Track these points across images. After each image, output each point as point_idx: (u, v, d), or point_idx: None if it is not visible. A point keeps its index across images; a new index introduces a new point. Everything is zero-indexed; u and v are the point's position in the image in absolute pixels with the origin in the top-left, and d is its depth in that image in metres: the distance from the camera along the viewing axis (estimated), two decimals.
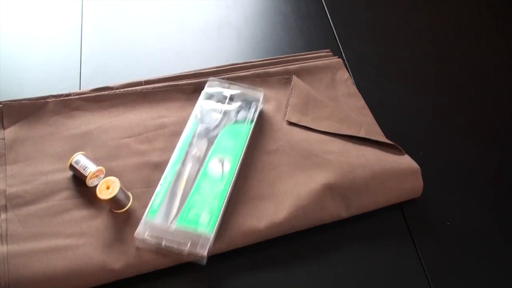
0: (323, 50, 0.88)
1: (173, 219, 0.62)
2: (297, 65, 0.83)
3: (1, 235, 0.60)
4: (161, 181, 0.65)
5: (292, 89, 0.79)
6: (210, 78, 0.77)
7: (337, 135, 0.74)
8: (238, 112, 0.73)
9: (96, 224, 0.62)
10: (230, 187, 0.65)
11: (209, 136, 0.70)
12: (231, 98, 0.74)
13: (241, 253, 0.64)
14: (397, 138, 0.75)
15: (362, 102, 0.80)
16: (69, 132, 0.71)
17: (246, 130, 0.71)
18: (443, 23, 0.98)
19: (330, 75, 0.83)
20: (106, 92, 0.75)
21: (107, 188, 0.62)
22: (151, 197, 0.64)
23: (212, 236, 0.61)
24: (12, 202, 0.63)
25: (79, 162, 0.65)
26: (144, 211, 0.63)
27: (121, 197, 0.62)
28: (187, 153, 0.68)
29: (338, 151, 0.71)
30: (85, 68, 0.83)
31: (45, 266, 0.58)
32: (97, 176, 0.66)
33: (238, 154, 0.68)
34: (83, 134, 0.71)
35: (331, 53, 0.88)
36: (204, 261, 0.60)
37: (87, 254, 0.59)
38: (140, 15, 0.92)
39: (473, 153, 0.78)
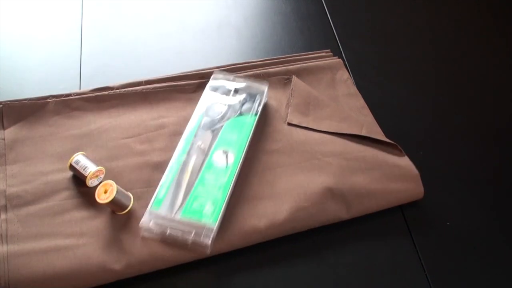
0: (323, 50, 0.88)
1: (178, 209, 0.63)
2: (297, 65, 0.83)
3: (1, 235, 0.60)
4: (166, 172, 0.66)
5: (292, 89, 0.79)
6: (215, 71, 0.78)
7: (338, 135, 0.74)
8: (242, 104, 0.73)
9: (96, 224, 0.62)
10: (234, 178, 0.66)
11: (214, 128, 0.71)
12: (236, 91, 0.75)
13: (241, 253, 0.64)
14: (397, 138, 0.75)
15: (362, 102, 0.80)
16: (69, 132, 0.71)
17: (250, 123, 0.72)
18: (443, 23, 0.98)
19: (330, 75, 0.83)
20: (106, 92, 0.75)
21: (105, 192, 0.62)
22: (151, 197, 0.64)
23: (215, 226, 0.61)
24: (12, 202, 0.63)
25: (79, 162, 0.65)
26: (144, 211, 0.63)
27: (121, 199, 0.62)
28: (192, 145, 0.69)
29: (339, 153, 0.71)
30: (85, 68, 0.83)
31: (45, 266, 0.58)
32: (97, 176, 0.66)
33: (242, 146, 0.69)
34: (83, 135, 0.71)
35: (331, 53, 0.88)
36: (208, 251, 0.61)
37: (87, 254, 0.59)
38: (140, 15, 0.92)
39: (473, 153, 0.78)
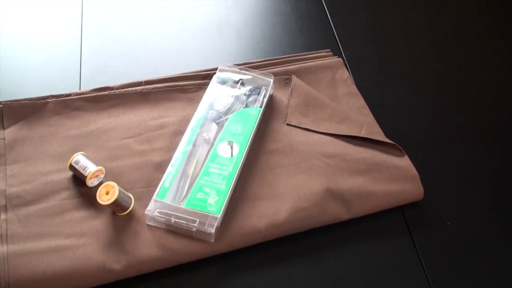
0: (323, 50, 0.88)
1: (183, 199, 0.64)
2: (297, 65, 0.83)
3: (1, 235, 0.60)
4: (172, 162, 0.67)
5: (292, 89, 0.79)
6: (221, 64, 0.79)
7: (338, 135, 0.74)
8: (248, 97, 0.75)
9: (96, 224, 0.62)
10: (238, 169, 0.67)
11: (220, 119, 0.72)
12: (242, 83, 0.77)
13: (242, 254, 0.64)
14: (397, 138, 0.75)
15: (362, 102, 0.80)
16: (69, 133, 0.71)
17: (255, 115, 0.73)
18: (443, 23, 0.98)
19: (330, 75, 0.83)
20: (106, 92, 0.75)
21: (107, 193, 0.62)
22: (151, 197, 0.64)
23: (219, 216, 0.62)
24: (12, 202, 0.63)
25: (79, 162, 0.65)
26: (144, 211, 0.63)
27: (122, 201, 0.62)
28: (198, 135, 0.70)
29: (339, 154, 0.71)
30: (85, 68, 0.83)
31: (45, 266, 0.58)
32: (97, 176, 0.66)
33: (246, 138, 0.70)
34: (83, 135, 0.71)
35: (331, 53, 0.88)
36: (212, 239, 0.62)
37: (87, 254, 0.59)
38: (140, 15, 0.92)
39: (473, 153, 0.78)
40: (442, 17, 0.99)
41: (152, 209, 0.63)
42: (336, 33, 0.93)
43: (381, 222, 0.69)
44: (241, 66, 0.79)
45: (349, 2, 0.99)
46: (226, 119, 0.72)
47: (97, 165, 0.66)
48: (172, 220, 0.62)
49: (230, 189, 0.65)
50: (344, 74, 0.84)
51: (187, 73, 0.80)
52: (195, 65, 0.83)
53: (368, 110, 0.79)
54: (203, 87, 0.78)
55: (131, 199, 0.64)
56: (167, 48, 0.87)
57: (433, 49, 0.93)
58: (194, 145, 0.69)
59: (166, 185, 0.65)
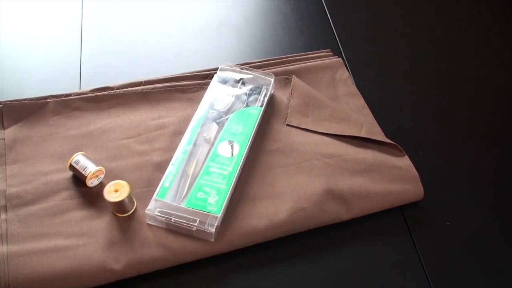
0: (323, 50, 0.88)
1: (183, 198, 0.64)
2: (297, 65, 0.83)
3: (1, 235, 0.60)
4: (172, 161, 0.67)
5: (292, 89, 0.79)
6: (222, 63, 0.79)
7: (338, 136, 0.74)
8: (249, 96, 0.75)
9: (96, 224, 0.62)
10: (239, 169, 0.67)
11: (220, 119, 0.72)
12: (243, 83, 0.77)
13: (242, 254, 0.64)
14: (397, 138, 0.75)
15: (362, 102, 0.80)
16: (69, 133, 0.71)
17: (256, 114, 0.73)
18: (443, 23, 0.98)
19: (330, 75, 0.83)
20: (106, 92, 0.75)
21: (116, 191, 0.62)
22: (151, 197, 0.64)
23: (220, 215, 0.62)
24: (12, 202, 0.63)
25: (79, 162, 0.65)
26: (144, 211, 0.63)
27: (127, 202, 0.63)
28: (198, 135, 0.70)
29: (339, 154, 0.71)
30: (85, 68, 0.83)
31: (45, 266, 0.58)
32: (97, 176, 0.66)
33: (247, 138, 0.70)
34: (83, 135, 0.71)
35: (331, 53, 0.88)
36: (212, 238, 0.62)
37: (87, 254, 0.59)
38: (140, 15, 0.92)
39: (473, 153, 0.78)
40: (442, 17, 0.99)
41: (153, 208, 0.63)
42: (336, 33, 0.93)
43: (381, 222, 0.69)
44: (241, 66, 0.79)
45: (349, 2, 0.99)
46: (227, 118, 0.72)
47: (97, 165, 0.66)
48: (172, 220, 0.62)
49: (230, 188, 0.65)
50: (344, 74, 0.84)
51: (187, 73, 0.80)
52: (195, 65, 0.83)
53: (368, 110, 0.79)
54: (203, 87, 0.78)
55: (134, 203, 0.64)
56: (167, 48, 0.87)
57: (433, 49, 0.93)
58: (194, 144, 0.69)
59: (167, 184, 0.65)
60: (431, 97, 0.85)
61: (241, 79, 0.77)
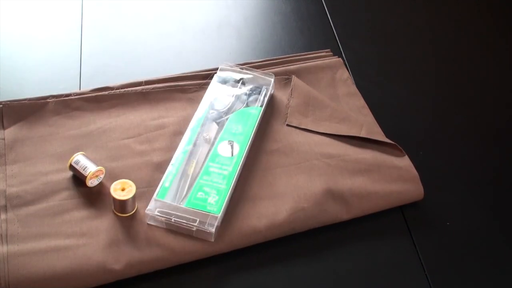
0: (323, 50, 0.88)
1: (183, 198, 0.64)
2: (297, 65, 0.83)
3: (1, 235, 0.60)
4: (172, 161, 0.67)
5: (292, 89, 0.79)
6: (222, 63, 0.79)
7: (338, 136, 0.74)
8: (249, 96, 0.75)
9: (96, 225, 0.62)
10: (239, 169, 0.67)
11: (220, 119, 0.72)
12: (243, 83, 0.77)
13: (242, 254, 0.64)
14: (397, 138, 0.75)
15: (362, 102, 0.80)
16: (69, 133, 0.71)
17: (256, 114, 0.73)
18: (443, 23, 0.98)
19: (330, 75, 0.83)
20: (106, 92, 0.75)
21: (122, 189, 0.62)
22: (151, 197, 0.64)
23: (220, 215, 0.62)
24: (12, 202, 0.63)
25: (79, 162, 0.65)
26: (144, 211, 0.63)
27: (130, 202, 0.63)
28: (198, 135, 0.70)
29: (338, 154, 0.71)
30: (85, 68, 0.83)
31: (45, 266, 0.58)
32: (97, 176, 0.66)
33: (247, 138, 0.70)
34: (83, 135, 0.71)
35: (331, 53, 0.88)
36: (212, 238, 0.62)
37: (87, 254, 0.59)
38: (140, 15, 0.92)
39: (473, 153, 0.78)
40: (442, 17, 0.99)
41: (153, 208, 0.63)
42: (336, 33, 0.93)
43: (381, 222, 0.69)
44: (242, 66, 0.79)
45: (349, 2, 0.99)
46: (227, 118, 0.72)
47: (97, 165, 0.66)
48: (173, 220, 0.62)
49: (230, 188, 0.65)
50: (344, 74, 0.84)
51: (187, 73, 0.80)
52: (195, 65, 0.83)
53: (368, 110, 0.79)
54: (203, 87, 0.78)
55: (135, 205, 0.64)
56: (167, 48, 0.87)
57: (433, 49, 0.93)
58: (194, 144, 0.69)
59: (167, 184, 0.65)
60: (431, 97, 0.85)
61: (241, 79, 0.77)
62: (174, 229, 0.62)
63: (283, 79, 0.81)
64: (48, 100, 0.73)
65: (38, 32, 0.87)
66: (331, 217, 0.67)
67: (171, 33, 0.90)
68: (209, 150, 0.69)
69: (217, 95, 0.75)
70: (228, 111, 0.73)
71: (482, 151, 0.79)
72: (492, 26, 0.99)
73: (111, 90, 0.76)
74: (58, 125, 0.71)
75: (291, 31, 0.92)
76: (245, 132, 0.71)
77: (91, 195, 0.65)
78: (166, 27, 0.91)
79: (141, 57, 0.85)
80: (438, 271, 0.65)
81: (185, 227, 0.62)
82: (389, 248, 0.67)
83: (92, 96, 0.75)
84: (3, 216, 0.62)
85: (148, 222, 0.63)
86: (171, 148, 0.70)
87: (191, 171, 0.67)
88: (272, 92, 0.78)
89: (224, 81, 0.77)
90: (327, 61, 0.85)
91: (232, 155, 0.68)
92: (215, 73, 0.79)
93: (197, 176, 0.66)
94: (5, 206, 0.63)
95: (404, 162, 0.72)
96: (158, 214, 0.62)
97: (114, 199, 0.62)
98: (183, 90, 0.78)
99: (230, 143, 0.69)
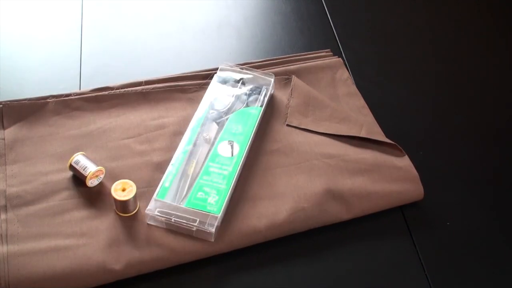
0: (323, 50, 0.88)
1: (183, 198, 0.64)
2: (297, 65, 0.83)
3: (1, 235, 0.60)
4: (172, 161, 0.67)
5: (292, 89, 0.79)
6: (222, 63, 0.79)
7: (338, 136, 0.74)
8: (249, 96, 0.75)
9: (96, 224, 0.62)
10: (239, 169, 0.67)
11: (220, 119, 0.72)
12: (243, 83, 0.77)
13: (242, 254, 0.64)
14: (397, 138, 0.75)
15: (362, 102, 0.80)
16: (69, 133, 0.71)
17: (256, 114, 0.73)
18: (443, 23, 0.98)
19: (330, 75, 0.83)
20: (106, 92, 0.75)
21: (123, 190, 0.62)
22: (151, 197, 0.64)
23: (220, 215, 0.62)
24: (12, 202, 0.63)
25: (79, 162, 0.65)
26: (144, 211, 0.63)
27: (131, 202, 0.63)
28: (198, 135, 0.70)
29: (338, 154, 0.71)
30: (85, 68, 0.83)
31: (45, 266, 0.58)
32: (97, 176, 0.66)
33: (247, 138, 0.70)
34: (83, 135, 0.71)
35: (331, 53, 0.88)
36: (212, 238, 0.62)
37: (87, 254, 0.59)
38: (140, 15, 0.92)
39: (473, 153, 0.78)
40: (442, 17, 0.99)
41: (153, 208, 0.63)
42: (336, 33, 0.93)
43: (381, 222, 0.69)
44: (242, 66, 0.79)
45: (349, 2, 0.99)
46: (227, 118, 0.72)
47: (97, 165, 0.66)
48: (173, 220, 0.62)
49: (230, 188, 0.65)
50: (344, 74, 0.84)
51: (187, 73, 0.80)
52: (195, 65, 0.83)
53: (368, 110, 0.79)
54: (203, 87, 0.78)
55: (137, 205, 0.64)
56: (167, 48, 0.87)
57: (433, 49, 0.93)
58: (194, 144, 0.69)
59: (167, 184, 0.65)
60: (431, 97, 0.85)
61: (241, 79, 0.77)
62: (174, 229, 0.62)
63: (283, 79, 0.81)
64: (48, 100, 0.73)
65: (38, 32, 0.87)
66: (331, 217, 0.67)
67: (171, 33, 0.90)
68: (209, 150, 0.69)
69: (217, 95, 0.75)
70: (228, 111, 0.74)
71: (482, 151, 0.79)
72: (492, 26, 0.99)
73: (111, 90, 0.76)
74: (58, 125, 0.71)
75: (291, 31, 0.92)
76: (245, 132, 0.71)
77: (91, 195, 0.65)
78: (166, 27, 0.91)
79: (141, 57, 0.85)
80: (438, 271, 0.65)
81: (185, 227, 0.62)
82: (389, 248, 0.67)
83: (92, 96, 0.75)
84: (3, 216, 0.62)
85: (148, 222, 0.63)
86: (171, 148, 0.70)
87: (191, 171, 0.67)
88: (272, 92, 0.78)
89: (224, 81, 0.77)
90: (327, 61, 0.85)
91: (232, 155, 0.68)
92: (215, 73, 0.79)
93: (197, 176, 0.66)
94: (5, 206, 0.63)
95: (404, 162, 0.72)
96: (158, 214, 0.62)
97: (115, 199, 0.62)
98: (183, 90, 0.78)
99: (230, 143, 0.69)
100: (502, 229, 0.70)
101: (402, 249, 0.67)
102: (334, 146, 0.73)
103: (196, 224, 0.61)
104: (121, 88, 0.76)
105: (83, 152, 0.67)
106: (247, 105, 0.74)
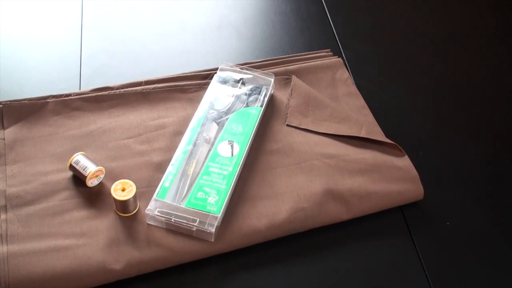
0: (323, 50, 0.88)
1: (183, 198, 0.64)
2: (297, 65, 0.83)
3: (1, 235, 0.60)
4: (172, 161, 0.67)
5: (292, 89, 0.79)
6: (222, 63, 0.79)
7: (338, 136, 0.74)
8: (249, 96, 0.75)
9: (96, 224, 0.62)
10: (239, 169, 0.67)
11: (220, 119, 0.72)
12: (243, 83, 0.77)
13: (242, 254, 0.64)
14: (397, 138, 0.75)
15: (362, 102, 0.80)
16: (69, 133, 0.71)
17: (256, 114, 0.73)
18: (443, 23, 0.98)
19: (330, 75, 0.83)
20: (106, 92, 0.75)
21: (123, 190, 0.62)
22: (151, 197, 0.64)
23: (220, 215, 0.62)
24: (12, 202, 0.63)
25: (79, 162, 0.65)
26: (145, 211, 0.63)
27: (131, 202, 0.63)
28: (198, 135, 0.70)
29: (338, 155, 0.71)
30: (85, 68, 0.83)
31: (45, 266, 0.58)
32: (97, 176, 0.66)
33: (247, 138, 0.70)
34: (83, 135, 0.71)
35: (331, 53, 0.88)
36: (212, 238, 0.62)
37: (87, 254, 0.59)
38: (140, 15, 0.92)
39: (473, 153, 0.78)
40: (442, 17, 0.99)
41: (153, 208, 0.63)
42: (336, 33, 0.93)
43: (381, 222, 0.69)
44: (242, 66, 0.79)
45: (349, 2, 0.99)
46: (227, 118, 0.72)
47: (97, 165, 0.66)
48: (172, 220, 0.62)
49: (230, 188, 0.65)
50: (344, 74, 0.84)
51: (187, 73, 0.80)
52: (195, 65, 0.83)
53: (368, 110, 0.79)
54: (203, 87, 0.78)
55: (137, 205, 0.64)
56: (167, 48, 0.87)
57: (433, 49, 0.93)
58: (194, 144, 0.69)
59: (167, 184, 0.65)
60: (431, 97, 0.85)
61: (241, 79, 0.78)
62: (174, 229, 0.62)
63: (283, 79, 0.81)
64: (48, 100, 0.73)
65: (38, 32, 0.87)
66: (331, 217, 0.67)
67: (171, 33, 0.90)
68: (209, 150, 0.69)
69: (217, 95, 0.75)
70: (228, 111, 0.74)
71: (482, 151, 0.79)
72: (492, 26, 0.99)
73: (111, 90, 0.76)
74: (58, 125, 0.71)
75: (291, 31, 0.92)
76: (245, 132, 0.71)
77: (91, 195, 0.65)
78: (166, 27, 0.91)
79: (141, 57, 0.85)
80: (438, 271, 0.65)
81: (185, 227, 0.62)
82: (389, 248, 0.67)
83: (92, 96, 0.75)
84: (3, 216, 0.62)
85: (148, 222, 0.63)
86: (171, 148, 0.70)
87: (191, 171, 0.67)
88: (272, 92, 0.78)
89: (224, 81, 0.77)
90: (327, 61, 0.85)
91: (232, 155, 0.68)
92: (215, 73, 0.79)
93: (197, 176, 0.66)
94: (5, 206, 0.63)
95: (404, 162, 0.72)
96: (158, 214, 0.62)
97: (115, 199, 0.62)
98: (183, 90, 0.78)
99: (230, 143, 0.69)
100: (502, 229, 0.70)
101: (402, 249, 0.67)
102: (334, 146, 0.73)
103: (196, 224, 0.61)
104: (121, 88, 0.76)
105: (83, 152, 0.67)
106: (247, 105, 0.74)
